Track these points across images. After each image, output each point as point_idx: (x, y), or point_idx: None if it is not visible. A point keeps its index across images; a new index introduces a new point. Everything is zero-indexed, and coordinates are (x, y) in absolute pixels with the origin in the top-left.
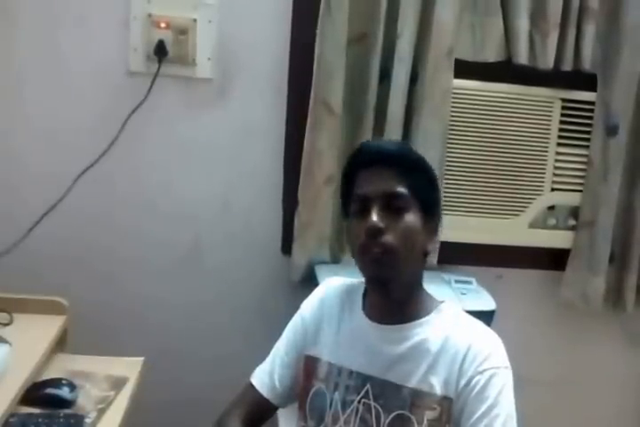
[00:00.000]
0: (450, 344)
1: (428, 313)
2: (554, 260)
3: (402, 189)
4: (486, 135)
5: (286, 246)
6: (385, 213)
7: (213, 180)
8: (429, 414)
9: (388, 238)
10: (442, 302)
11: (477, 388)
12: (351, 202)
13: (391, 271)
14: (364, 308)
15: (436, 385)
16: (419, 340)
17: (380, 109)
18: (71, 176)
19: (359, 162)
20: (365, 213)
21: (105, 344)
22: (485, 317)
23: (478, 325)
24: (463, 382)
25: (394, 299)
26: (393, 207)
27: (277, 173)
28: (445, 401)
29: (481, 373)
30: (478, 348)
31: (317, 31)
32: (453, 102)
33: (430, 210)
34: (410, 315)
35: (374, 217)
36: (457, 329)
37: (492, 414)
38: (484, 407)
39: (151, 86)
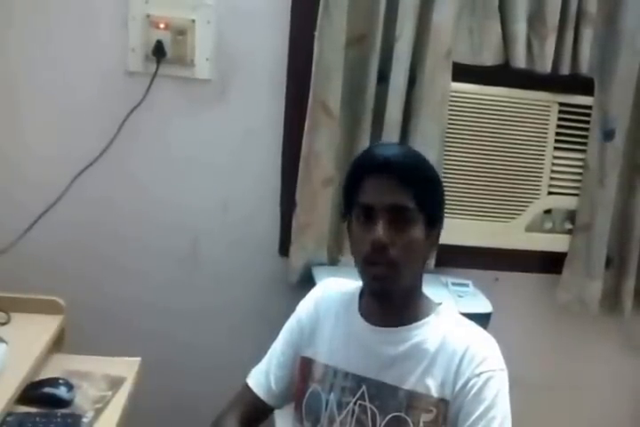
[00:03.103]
0: (447, 346)
1: (426, 315)
2: (550, 263)
3: (409, 204)
4: (484, 138)
5: (284, 248)
6: (390, 226)
7: (211, 181)
8: (425, 417)
9: (393, 253)
10: (439, 303)
11: (474, 390)
12: (354, 206)
13: (393, 285)
14: (361, 309)
15: (432, 387)
16: (417, 341)
17: (378, 111)
18: (68, 177)
19: (367, 166)
20: (370, 221)
21: (101, 351)
22: (482, 319)
23: (474, 327)
24: (460, 384)
25: (393, 304)
26: (398, 220)
27: (275, 175)
28: (442, 403)
29: (478, 375)
30: (475, 350)
31: (316, 32)
32: (451, 105)
33: (434, 220)
34: (408, 318)
35: (380, 231)
36: (454, 331)
37: (489, 416)
38: (480, 409)
39: (149, 87)
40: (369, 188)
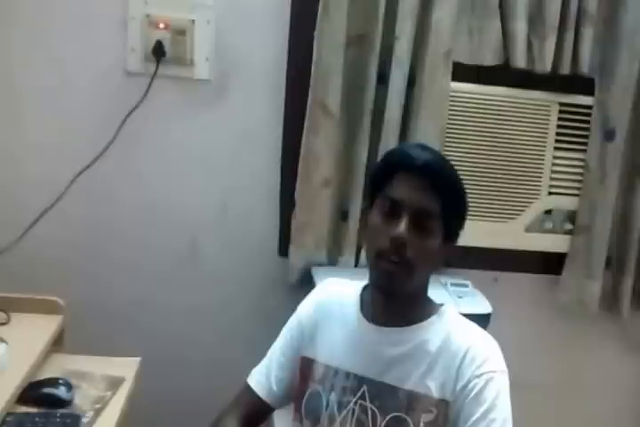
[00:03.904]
0: (448, 347)
1: (428, 316)
2: (550, 263)
3: (436, 210)
4: (483, 138)
5: (283, 248)
6: (412, 227)
7: (210, 181)
8: (426, 417)
9: (409, 254)
10: (441, 304)
11: (475, 391)
12: (380, 197)
13: (400, 285)
14: (363, 309)
15: (433, 388)
16: (418, 342)
17: (377, 111)
18: (68, 178)
19: (404, 164)
20: (394, 216)
21: (101, 348)
22: (481, 320)
23: (476, 328)
24: (460, 385)
25: (397, 304)
26: (421, 224)
27: (275, 175)
28: (442, 404)
29: (478, 376)
30: (476, 351)
31: (315, 33)
32: (451, 105)
33: (451, 235)
34: (411, 318)
35: (403, 228)
36: (456, 332)
37: (489, 417)
38: (481, 411)
39: (149, 87)
40: (402, 184)
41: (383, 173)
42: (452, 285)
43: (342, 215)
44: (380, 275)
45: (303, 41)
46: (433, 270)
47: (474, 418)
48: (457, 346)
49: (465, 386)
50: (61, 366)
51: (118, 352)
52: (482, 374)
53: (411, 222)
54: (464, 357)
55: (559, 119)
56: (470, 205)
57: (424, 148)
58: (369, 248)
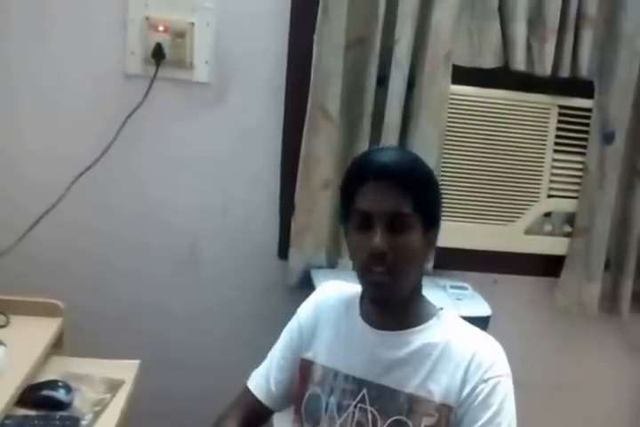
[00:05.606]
0: (451, 351)
1: (427, 319)
2: (549, 266)
3: (406, 209)
4: (483, 141)
5: (283, 251)
6: (388, 232)
7: (210, 184)
8: (427, 421)
9: (392, 260)
10: (440, 308)
11: (482, 396)
12: (352, 211)
13: (392, 292)
14: (362, 312)
15: (435, 392)
16: (418, 346)
17: (377, 114)
18: (67, 180)
19: (364, 173)
20: (368, 228)
21: (100, 351)
22: (480, 322)
23: (478, 332)
24: (467, 389)
25: (393, 309)
26: (396, 226)
27: (274, 178)
28: (444, 408)
29: (485, 381)
30: (482, 356)
31: (315, 35)
32: (450, 108)
33: (431, 221)
34: (410, 321)
35: (378, 239)
36: (458, 336)
37: (496, 422)
38: (487, 415)
39: (148, 89)
40: (367, 194)
41: (349, 187)
42: (452, 287)
43: (343, 217)
44: (371, 288)
45: (303, 44)
46: (421, 265)
47: (480, 422)
48: (461, 351)
49: (472, 391)
50: (61, 368)
51: (118, 355)
52: (489, 379)
53: (385, 228)
54: (470, 362)
55: (559, 122)
56: (470, 207)
57: (385, 150)
58: (354, 264)
